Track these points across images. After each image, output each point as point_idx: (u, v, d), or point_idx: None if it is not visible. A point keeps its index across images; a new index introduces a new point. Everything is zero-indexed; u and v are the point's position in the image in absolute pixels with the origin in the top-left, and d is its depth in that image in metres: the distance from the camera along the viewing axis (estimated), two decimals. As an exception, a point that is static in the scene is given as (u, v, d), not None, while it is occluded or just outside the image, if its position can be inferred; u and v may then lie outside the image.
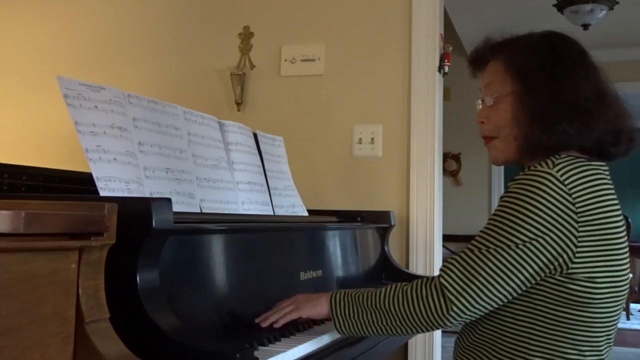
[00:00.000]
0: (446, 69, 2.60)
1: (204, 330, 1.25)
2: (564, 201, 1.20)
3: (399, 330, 1.31)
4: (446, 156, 6.03)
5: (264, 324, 1.37)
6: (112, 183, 1.35)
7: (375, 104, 2.62)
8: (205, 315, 1.29)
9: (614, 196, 1.28)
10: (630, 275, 6.46)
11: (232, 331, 1.33)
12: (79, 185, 1.66)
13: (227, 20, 2.85)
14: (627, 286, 1.29)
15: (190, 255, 1.28)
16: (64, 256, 0.91)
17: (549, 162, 1.24)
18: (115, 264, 1.00)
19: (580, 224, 1.20)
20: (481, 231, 1.27)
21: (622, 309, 1.31)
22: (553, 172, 1.22)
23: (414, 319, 1.27)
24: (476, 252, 1.23)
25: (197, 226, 1.37)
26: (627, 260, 1.29)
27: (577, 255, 1.21)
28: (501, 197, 1.28)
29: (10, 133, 3.03)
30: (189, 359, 1.04)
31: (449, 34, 4.00)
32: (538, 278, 1.22)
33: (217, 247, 1.37)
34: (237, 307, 1.39)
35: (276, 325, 1.37)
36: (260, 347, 1.26)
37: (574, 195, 1.21)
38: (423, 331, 1.31)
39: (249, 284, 1.46)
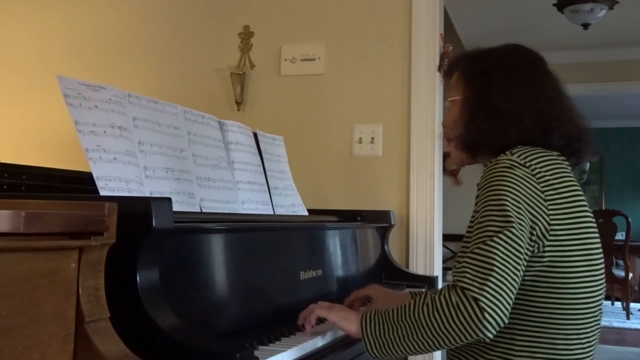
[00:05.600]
0: (446, 68, 2.60)
1: (204, 330, 1.25)
2: (528, 179, 1.28)
3: (432, 343, 1.23)
4: (446, 156, 6.03)
5: (299, 321, 1.41)
6: (112, 182, 1.35)
7: (375, 104, 2.62)
8: (205, 315, 1.29)
9: (575, 181, 1.35)
10: (631, 274, 6.42)
11: (232, 331, 1.33)
12: (79, 184, 1.66)
13: (227, 20, 2.85)
14: (603, 266, 1.34)
15: (190, 255, 1.28)
16: (64, 256, 0.91)
17: (508, 153, 1.33)
18: (115, 263, 1.00)
19: (548, 202, 1.27)
20: (475, 230, 1.28)
21: (603, 291, 1.35)
22: (513, 157, 1.31)
23: (446, 328, 1.21)
24: (481, 245, 1.23)
25: (197, 226, 1.37)
26: (598, 240, 1.34)
27: (551, 232, 1.26)
28: (477, 196, 1.34)
29: (10, 132, 3.03)
30: (189, 358, 1.04)
31: (449, 34, 4.00)
32: (527, 256, 1.25)
33: (217, 247, 1.37)
34: (237, 307, 1.39)
35: (306, 323, 1.39)
36: (260, 347, 1.26)
37: (537, 176, 1.29)
38: (459, 342, 1.22)
39: (249, 283, 1.46)
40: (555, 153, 1.36)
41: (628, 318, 6.28)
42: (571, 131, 1.39)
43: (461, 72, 1.49)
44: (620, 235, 6.41)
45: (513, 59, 1.45)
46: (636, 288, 6.75)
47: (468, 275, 1.22)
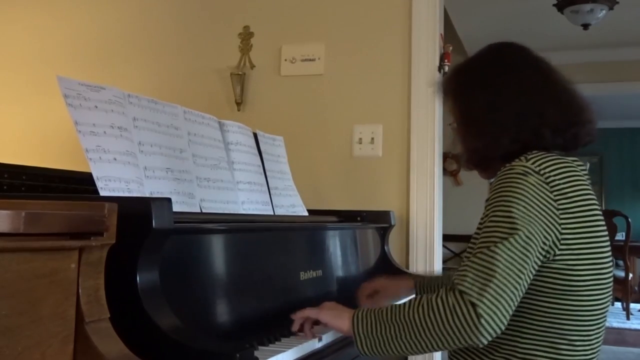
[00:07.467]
0: (446, 68, 2.60)
1: (204, 330, 1.25)
2: (541, 187, 1.25)
3: (424, 345, 1.21)
4: (446, 156, 6.03)
5: (293, 327, 1.39)
6: (112, 183, 1.35)
7: (375, 104, 2.62)
8: (205, 315, 1.29)
9: (590, 189, 1.34)
10: (631, 274, 6.42)
11: (232, 331, 1.33)
12: (79, 185, 1.66)
13: (227, 20, 2.85)
14: (611, 276, 1.33)
15: (190, 255, 1.28)
16: (64, 256, 0.91)
17: (522, 158, 1.31)
18: (115, 263, 1.00)
19: (560, 211, 1.26)
20: (481, 235, 1.27)
21: (610, 300, 1.34)
22: (528, 164, 1.28)
23: (440, 330, 1.19)
24: (485, 251, 1.22)
25: (197, 226, 1.37)
26: (609, 250, 1.33)
27: (562, 241, 1.25)
28: (487, 199, 1.32)
29: (11, 132, 3.03)
30: (189, 359, 1.04)
31: (449, 34, 4.00)
32: (536, 267, 1.24)
33: (217, 247, 1.37)
34: (237, 307, 1.39)
35: (294, 324, 1.38)
36: (260, 347, 1.26)
37: (551, 184, 1.27)
38: (452, 346, 1.20)
39: (249, 283, 1.46)
40: (570, 158, 1.34)
41: (628, 318, 6.28)
42: (559, 123, 1.36)
43: (449, 94, 1.52)
44: (620, 236, 6.41)
45: (486, 64, 1.46)
46: (636, 288, 6.75)
47: (468, 280, 1.20)
